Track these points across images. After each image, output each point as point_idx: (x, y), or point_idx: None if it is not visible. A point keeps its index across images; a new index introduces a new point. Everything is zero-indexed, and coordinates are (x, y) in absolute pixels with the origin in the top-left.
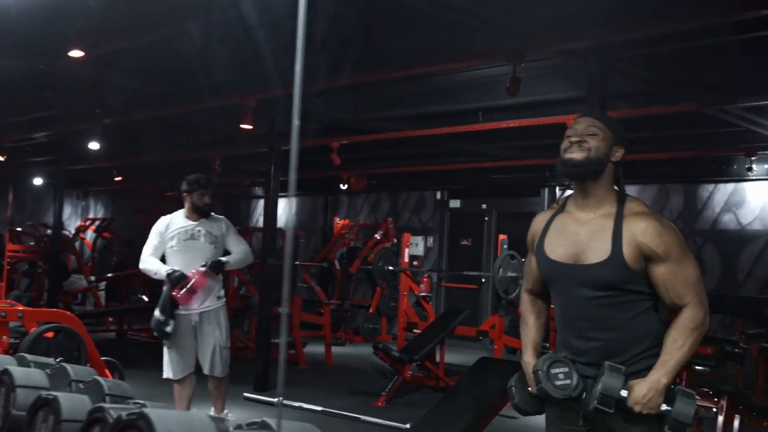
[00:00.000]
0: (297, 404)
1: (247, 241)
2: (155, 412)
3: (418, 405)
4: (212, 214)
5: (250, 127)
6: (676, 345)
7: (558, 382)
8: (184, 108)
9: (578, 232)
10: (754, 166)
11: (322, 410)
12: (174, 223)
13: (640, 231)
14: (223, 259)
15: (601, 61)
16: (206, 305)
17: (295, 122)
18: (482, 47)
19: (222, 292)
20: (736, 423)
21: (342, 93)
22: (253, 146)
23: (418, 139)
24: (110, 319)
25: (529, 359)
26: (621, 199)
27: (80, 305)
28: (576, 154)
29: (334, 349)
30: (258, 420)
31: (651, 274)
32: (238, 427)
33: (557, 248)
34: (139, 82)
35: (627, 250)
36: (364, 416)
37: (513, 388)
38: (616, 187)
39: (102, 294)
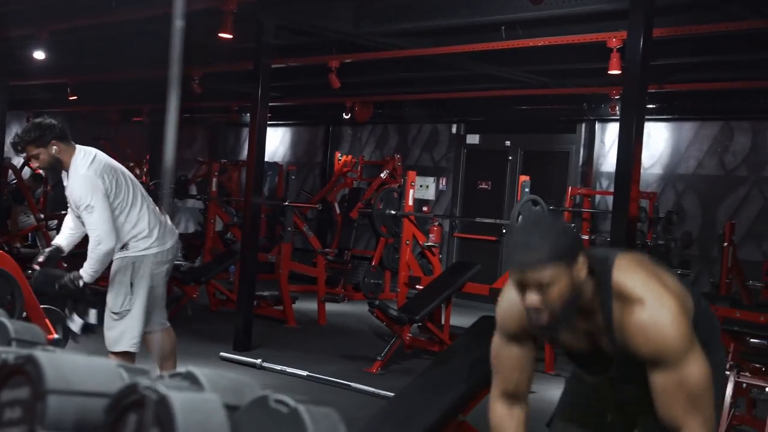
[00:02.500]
0: (279, 367)
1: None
2: (47, 356)
3: (416, 373)
4: (72, 168)
5: (230, 36)
6: None
7: None
8: (154, 12)
9: (589, 331)
10: None
11: (308, 375)
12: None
13: (629, 336)
14: (81, 275)
15: None
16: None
17: (177, 23)
18: None
19: (126, 232)
20: None
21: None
22: (240, 62)
23: (430, 60)
24: (64, 265)
25: None
26: (605, 296)
27: (30, 247)
28: (547, 325)
29: (330, 307)
30: (182, 371)
31: (648, 375)
32: (159, 377)
33: (576, 349)
34: None
35: (628, 353)
36: (353, 383)
37: None
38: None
39: (53, 234)
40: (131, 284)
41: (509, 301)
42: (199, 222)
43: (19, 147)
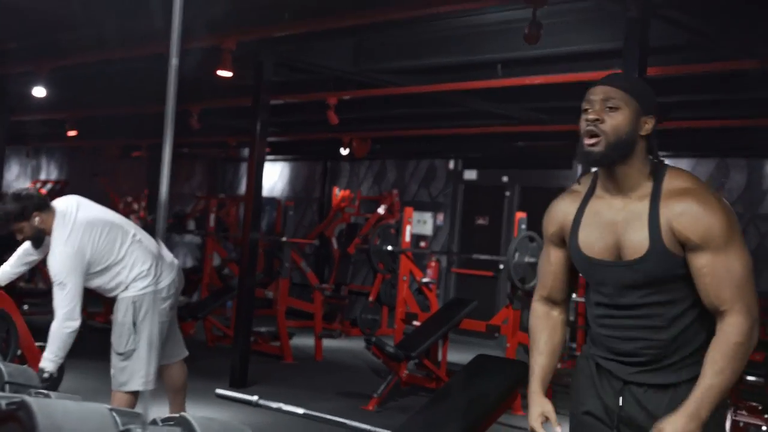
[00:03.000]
0: (275, 405)
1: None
2: (39, 402)
3: (413, 410)
4: (51, 239)
5: (229, 74)
6: (716, 368)
7: None
8: (152, 50)
9: (614, 222)
10: None
11: (304, 413)
12: None
13: (676, 215)
14: (44, 368)
15: (642, 5)
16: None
17: (173, 61)
18: None
19: (124, 278)
20: None
21: (339, 38)
22: (239, 98)
23: (428, 97)
24: (25, 307)
25: (536, 389)
26: (658, 174)
27: (29, 282)
28: (595, 146)
29: (327, 343)
30: (176, 415)
31: (689, 265)
32: (153, 422)
33: (594, 242)
34: (93, 17)
35: (667, 238)
36: (349, 421)
37: None
38: (651, 158)
39: None
40: (134, 324)
41: (553, 206)
42: (196, 257)
43: (1, 223)
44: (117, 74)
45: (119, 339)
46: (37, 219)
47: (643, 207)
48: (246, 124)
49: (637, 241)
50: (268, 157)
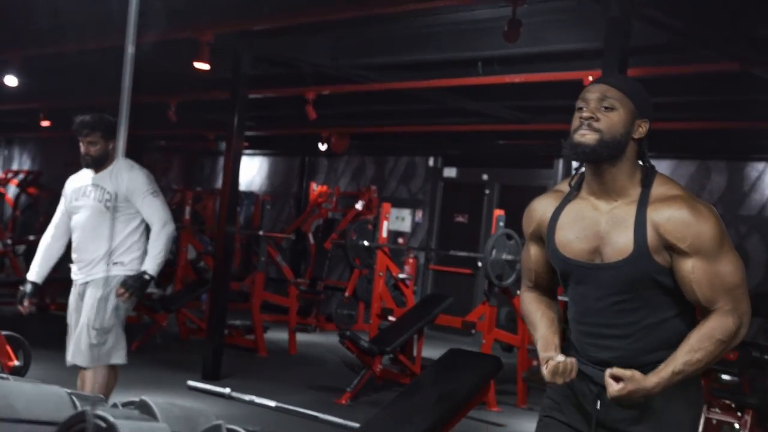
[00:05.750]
0: (248, 397)
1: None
2: None
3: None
4: (120, 163)
5: (207, 67)
6: (688, 350)
7: None
8: (124, 40)
9: (597, 223)
10: None
11: (276, 405)
12: (73, 180)
13: (664, 220)
14: (146, 270)
15: (624, 5)
16: (94, 272)
17: (129, 50)
18: None
19: (127, 255)
20: None
21: (319, 32)
22: (217, 92)
23: (408, 94)
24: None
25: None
26: (647, 180)
27: None
28: (586, 137)
29: (301, 337)
30: (135, 400)
31: (676, 270)
32: (113, 405)
33: (573, 243)
34: (69, 6)
35: (653, 243)
36: (321, 414)
37: None
38: (641, 163)
39: (21, 260)
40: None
41: (532, 205)
42: (171, 250)
43: (86, 128)
44: (92, 64)
45: (100, 314)
46: (112, 146)
47: (630, 211)
48: (225, 117)
49: (621, 244)
50: (247, 151)
